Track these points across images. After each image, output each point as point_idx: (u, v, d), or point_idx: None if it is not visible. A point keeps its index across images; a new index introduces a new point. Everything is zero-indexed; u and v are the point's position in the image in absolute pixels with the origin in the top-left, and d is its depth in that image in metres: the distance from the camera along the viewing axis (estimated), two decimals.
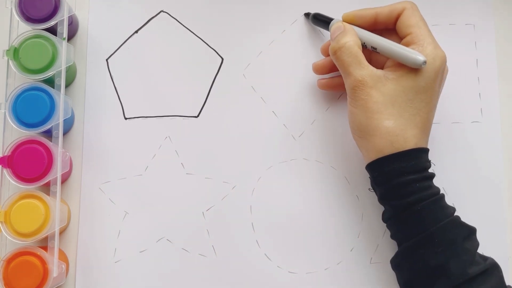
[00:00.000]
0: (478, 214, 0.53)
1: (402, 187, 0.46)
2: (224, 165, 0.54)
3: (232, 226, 0.54)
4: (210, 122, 0.55)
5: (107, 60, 0.56)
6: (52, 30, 0.51)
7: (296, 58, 0.56)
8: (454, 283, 0.44)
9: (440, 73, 0.47)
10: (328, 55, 0.51)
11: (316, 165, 0.55)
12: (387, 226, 0.49)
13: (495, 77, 0.56)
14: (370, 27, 0.50)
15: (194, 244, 0.53)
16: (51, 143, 0.49)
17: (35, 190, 0.49)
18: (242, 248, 0.53)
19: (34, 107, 0.49)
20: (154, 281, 0.53)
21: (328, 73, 0.54)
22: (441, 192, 0.47)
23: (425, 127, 0.47)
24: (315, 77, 0.55)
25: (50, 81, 0.50)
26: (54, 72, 0.50)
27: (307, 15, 0.56)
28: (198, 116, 0.55)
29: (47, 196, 0.49)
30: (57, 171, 0.49)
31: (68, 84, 0.55)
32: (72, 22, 0.54)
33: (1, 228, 0.48)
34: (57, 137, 0.49)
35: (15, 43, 0.50)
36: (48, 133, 0.50)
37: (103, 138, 0.54)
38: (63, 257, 0.52)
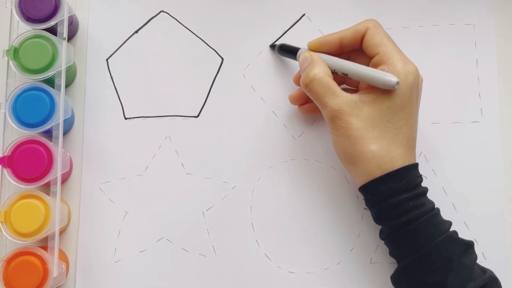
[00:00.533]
0: (478, 214, 0.53)
1: (396, 207, 0.45)
2: (224, 165, 0.54)
3: (232, 226, 0.54)
4: (210, 122, 0.55)
5: (107, 60, 0.56)
6: (52, 30, 0.51)
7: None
8: None
9: (415, 88, 0.46)
10: None
11: (316, 165, 0.55)
12: (385, 244, 0.49)
13: (495, 77, 0.56)
14: (337, 52, 0.49)
15: (194, 244, 0.53)
16: (51, 143, 0.49)
17: (35, 190, 0.49)
18: (242, 248, 0.53)
19: (34, 107, 0.49)
20: (154, 281, 0.53)
21: (306, 102, 0.53)
22: (436, 207, 0.47)
23: (409, 143, 0.47)
24: None
25: (50, 81, 0.50)
26: (54, 72, 0.50)
27: (272, 47, 0.56)
28: (198, 116, 0.55)
29: (47, 196, 0.49)
30: (57, 171, 0.49)
31: (68, 84, 0.55)
32: (72, 22, 0.54)
33: (1, 228, 0.48)
34: (57, 137, 0.49)
35: (15, 43, 0.50)
36: (48, 133, 0.50)
37: (103, 138, 0.54)
38: (63, 257, 0.52)
